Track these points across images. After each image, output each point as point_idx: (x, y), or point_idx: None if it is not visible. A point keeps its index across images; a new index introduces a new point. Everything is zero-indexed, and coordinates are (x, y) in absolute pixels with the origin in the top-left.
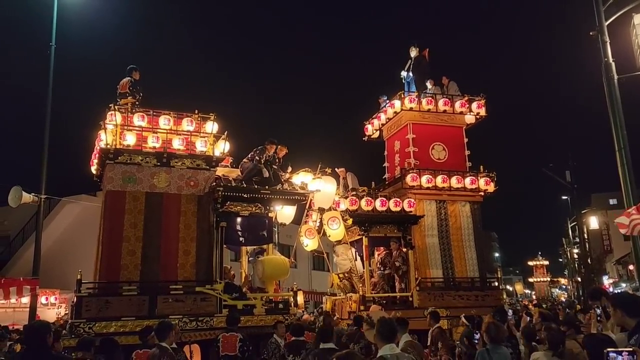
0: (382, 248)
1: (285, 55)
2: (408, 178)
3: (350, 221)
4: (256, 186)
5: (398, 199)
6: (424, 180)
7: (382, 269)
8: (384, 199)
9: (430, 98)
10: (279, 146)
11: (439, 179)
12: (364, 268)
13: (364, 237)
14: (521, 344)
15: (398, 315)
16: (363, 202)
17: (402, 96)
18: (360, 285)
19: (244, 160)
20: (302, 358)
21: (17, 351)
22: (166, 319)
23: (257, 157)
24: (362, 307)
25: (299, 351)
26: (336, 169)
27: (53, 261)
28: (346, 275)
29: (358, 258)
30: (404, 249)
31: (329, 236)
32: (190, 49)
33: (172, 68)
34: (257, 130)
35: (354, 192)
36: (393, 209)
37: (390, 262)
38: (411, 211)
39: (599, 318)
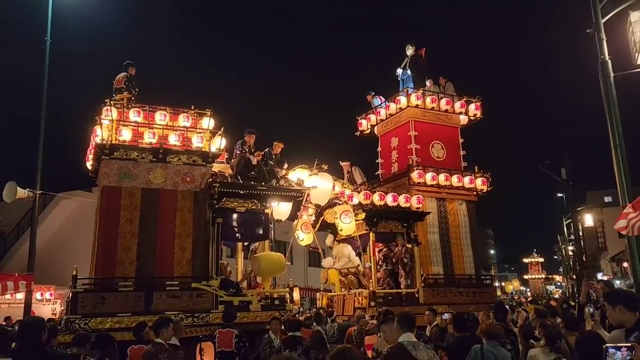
0: (380, 244)
1: (282, 50)
2: (414, 174)
3: (361, 215)
4: (252, 182)
5: (408, 195)
6: (429, 177)
7: (386, 264)
8: (395, 194)
9: (434, 96)
10: (275, 142)
11: (442, 176)
12: (364, 263)
13: (371, 233)
14: (519, 342)
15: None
16: (376, 197)
17: (408, 93)
18: (371, 281)
19: (232, 160)
20: (297, 353)
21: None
22: (163, 314)
23: (238, 150)
24: (372, 303)
25: (295, 346)
26: (340, 162)
27: (48, 257)
28: (350, 270)
29: (352, 253)
30: (409, 245)
31: (341, 230)
32: (186, 45)
33: (168, 63)
34: (253, 125)
35: (368, 186)
36: (403, 205)
37: (396, 258)
38: (419, 208)
39: (592, 318)
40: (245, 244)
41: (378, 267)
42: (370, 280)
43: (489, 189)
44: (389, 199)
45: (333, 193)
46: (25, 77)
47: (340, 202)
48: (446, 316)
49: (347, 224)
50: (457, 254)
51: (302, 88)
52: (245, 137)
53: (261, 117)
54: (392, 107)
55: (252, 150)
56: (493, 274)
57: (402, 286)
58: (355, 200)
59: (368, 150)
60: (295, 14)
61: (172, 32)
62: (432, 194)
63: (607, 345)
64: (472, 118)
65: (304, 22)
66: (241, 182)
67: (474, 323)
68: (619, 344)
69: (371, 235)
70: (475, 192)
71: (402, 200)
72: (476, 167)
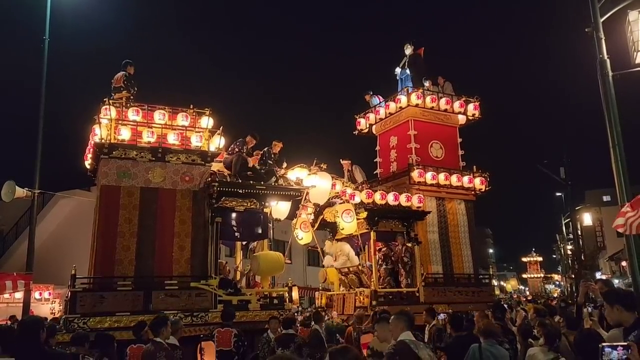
0: (379, 243)
1: (282, 50)
2: (415, 173)
3: (363, 214)
4: (251, 181)
5: (409, 194)
6: (429, 176)
7: (386, 263)
8: (397, 193)
9: (434, 96)
10: (275, 142)
11: (442, 176)
12: (363, 262)
13: (372, 232)
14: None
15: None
16: (377, 196)
17: (409, 92)
18: (373, 280)
19: (225, 155)
20: (290, 351)
21: None
22: (162, 314)
23: (237, 149)
24: (374, 302)
25: (287, 344)
26: (341, 161)
27: (47, 256)
28: (351, 269)
29: (351, 252)
30: (409, 244)
31: (342, 229)
32: (187, 44)
33: (168, 62)
34: (252, 125)
35: (369, 185)
36: (404, 204)
37: (396, 257)
38: (420, 207)
39: (591, 317)
40: (244, 243)
41: (378, 266)
42: (372, 280)
43: (487, 188)
44: (390, 198)
45: (334, 192)
46: (24, 77)
47: (342, 201)
48: (442, 316)
49: (349, 223)
50: (456, 253)
51: (302, 87)
52: (247, 138)
53: (261, 117)
54: (392, 106)
55: (250, 153)
56: (491, 273)
57: (402, 285)
58: (357, 199)
59: (366, 149)
60: (296, 14)
61: (172, 32)
62: (432, 194)
63: (603, 344)
64: (471, 118)
65: (305, 22)
66: (239, 181)
67: (472, 322)
68: (615, 343)
69: (372, 234)
70: (473, 192)
71: (403, 200)
72: (474, 166)
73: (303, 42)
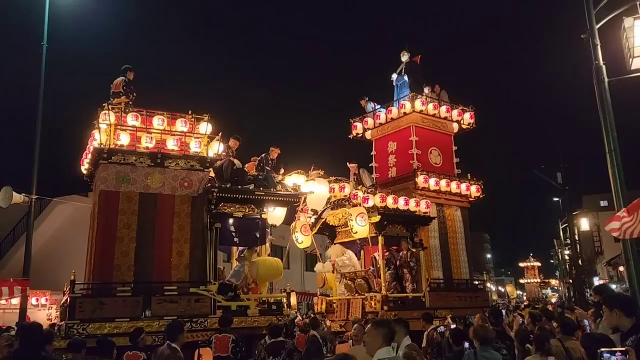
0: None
1: (281, 52)
2: (420, 179)
3: (375, 218)
4: (250, 187)
5: (418, 200)
6: (432, 182)
7: (388, 268)
8: (407, 198)
9: (436, 103)
10: (272, 148)
11: (443, 182)
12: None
13: (380, 236)
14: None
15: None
16: (390, 200)
17: (413, 97)
18: (383, 284)
19: (216, 163)
20: (282, 358)
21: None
22: (161, 320)
23: (223, 153)
24: (385, 307)
25: (278, 352)
26: (348, 164)
27: (44, 262)
28: (359, 274)
29: (353, 256)
30: (414, 249)
31: (355, 233)
32: (186, 47)
33: (166, 65)
34: (252, 128)
35: (381, 189)
36: (413, 209)
37: (400, 262)
38: (427, 212)
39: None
40: (239, 248)
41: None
42: (382, 284)
43: (482, 196)
44: (401, 203)
45: (341, 194)
46: (21, 81)
47: (352, 204)
48: (441, 329)
49: (362, 227)
50: (454, 259)
51: (302, 90)
52: (230, 142)
53: (261, 119)
54: (394, 111)
55: (234, 155)
56: (485, 278)
57: (407, 290)
58: (370, 203)
59: (362, 153)
60: (297, 16)
61: (172, 35)
62: (433, 199)
63: (602, 349)
64: (465, 127)
65: (306, 23)
66: (236, 187)
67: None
68: (613, 348)
69: (380, 238)
70: (468, 199)
71: (412, 205)
72: (469, 174)
73: (303, 44)
